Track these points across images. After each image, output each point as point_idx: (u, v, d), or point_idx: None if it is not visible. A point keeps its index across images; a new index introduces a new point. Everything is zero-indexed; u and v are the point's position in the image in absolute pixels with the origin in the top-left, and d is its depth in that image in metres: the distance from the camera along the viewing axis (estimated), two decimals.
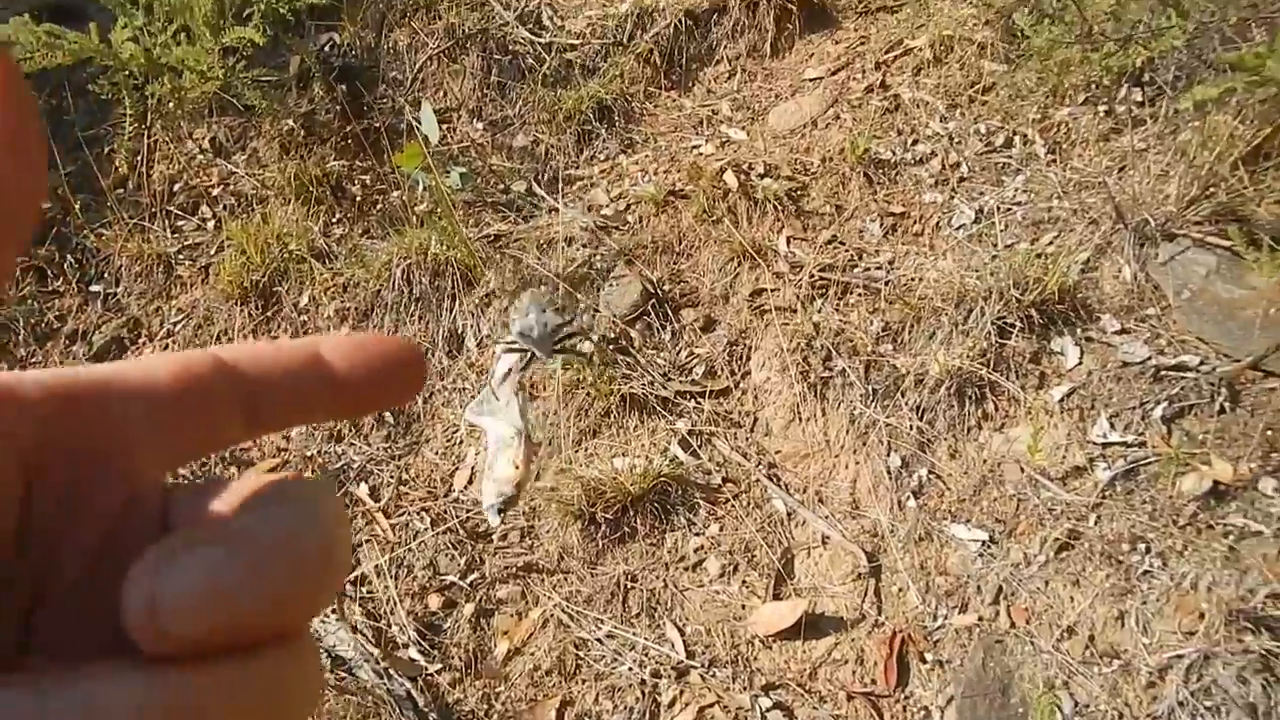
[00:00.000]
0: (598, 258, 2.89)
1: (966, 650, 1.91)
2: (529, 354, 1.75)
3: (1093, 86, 2.71)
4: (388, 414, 2.69)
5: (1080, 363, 2.21)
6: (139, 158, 3.22)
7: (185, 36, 3.01)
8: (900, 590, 2.06)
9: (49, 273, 3.09)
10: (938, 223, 2.71)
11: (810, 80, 3.39)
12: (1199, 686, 1.73)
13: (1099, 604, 1.85)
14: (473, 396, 2.70)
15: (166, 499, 0.28)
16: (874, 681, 1.99)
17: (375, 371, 0.31)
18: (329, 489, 0.30)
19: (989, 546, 2.03)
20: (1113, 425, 2.08)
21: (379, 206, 3.16)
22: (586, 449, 2.49)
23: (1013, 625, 1.90)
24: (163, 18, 2.99)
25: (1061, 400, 2.17)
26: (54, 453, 0.26)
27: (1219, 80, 2.03)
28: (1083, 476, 2.05)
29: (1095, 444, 2.07)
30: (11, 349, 2.95)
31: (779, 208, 2.88)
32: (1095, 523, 1.96)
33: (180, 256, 3.12)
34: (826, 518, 2.25)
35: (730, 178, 2.94)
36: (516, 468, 2.19)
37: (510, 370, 2.20)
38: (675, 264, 2.89)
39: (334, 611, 2.20)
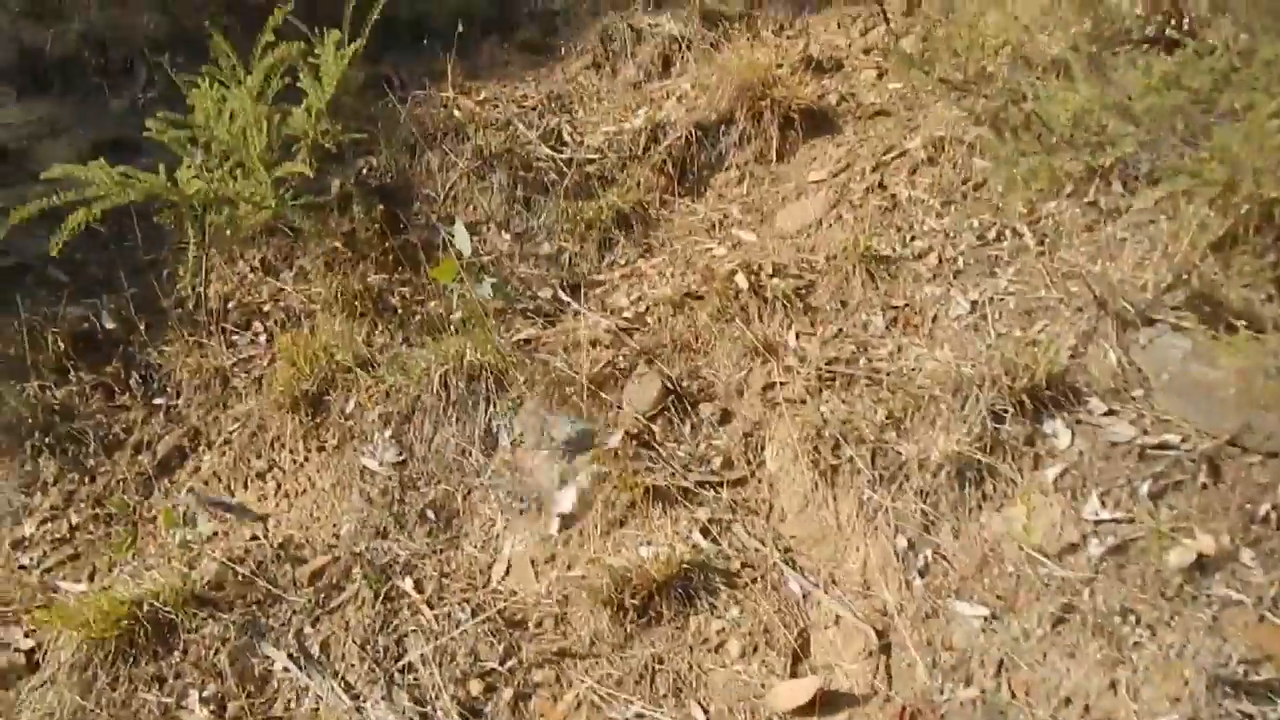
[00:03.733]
0: (620, 358, 3.11)
1: None
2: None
3: (1075, 181, 2.91)
4: (429, 511, 2.89)
5: (1072, 444, 2.37)
6: (198, 279, 3.51)
7: (240, 170, 3.32)
8: (909, 665, 2.19)
9: (115, 389, 3.35)
10: (935, 314, 2.90)
11: (814, 183, 3.63)
12: None
13: (1093, 674, 1.98)
14: (508, 492, 2.91)
15: None
16: None
17: None
18: None
19: (991, 622, 2.16)
20: (1103, 503, 2.22)
21: (418, 316, 3.41)
22: (614, 539, 2.66)
23: (1013, 697, 2.03)
24: (219, 155, 3.31)
25: (1055, 480, 2.32)
26: None
27: (1174, 181, 2.23)
28: (1077, 552, 2.19)
29: (1088, 521, 2.22)
30: (82, 460, 3.19)
31: (788, 305, 3.09)
32: (1089, 596, 2.10)
33: (235, 369, 3.38)
34: (839, 598, 2.40)
35: (741, 279, 3.16)
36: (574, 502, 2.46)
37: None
38: (692, 361, 3.10)
39: (384, 698, 2.37)
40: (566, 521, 2.70)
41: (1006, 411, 2.44)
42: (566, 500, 2.75)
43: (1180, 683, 1.88)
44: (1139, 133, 2.20)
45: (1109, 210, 2.90)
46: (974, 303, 2.87)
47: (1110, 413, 2.39)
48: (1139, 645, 1.99)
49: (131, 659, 2.45)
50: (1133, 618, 2.04)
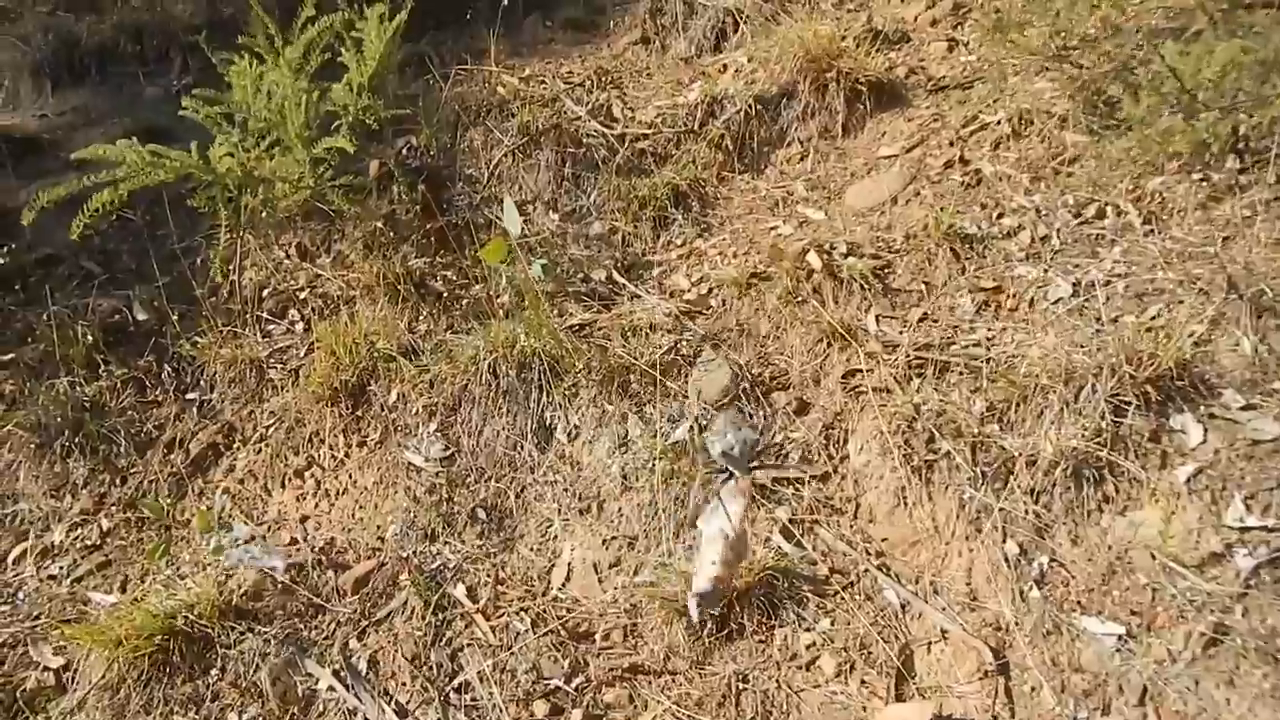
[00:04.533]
0: (683, 343, 2.88)
1: None
2: (729, 471, 1.70)
3: (1185, 156, 2.65)
4: (480, 511, 2.68)
5: (1205, 441, 2.11)
6: (230, 266, 3.32)
7: (277, 149, 3.12)
8: (1033, 689, 1.95)
9: (147, 383, 3.18)
10: (1033, 298, 2.65)
11: (885, 158, 3.38)
12: None
13: (1260, 707, 1.73)
14: (565, 490, 2.69)
15: None
16: None
17: None
18: None
19: (1126, 641, 1.91)
20: (1249, 508, 1.96)
21: (463, 301, 3.20)
22: (686, 540, 2.43)
23: None
24: (256, 134, 3.11)
25: (1188, 481, 2.06)
26: None
27: None
28: (1222, 564, 1.93)
29: (1232, 528, 1.96)
30: (113, 459, 3.01)
31: (865, 287, 2.85)
32: (1243, 615, 1.84)
33: (271, 360, 3.18)
34: (944, 610, 2.16)
35: (813, 258, 2.92)
36: (714, 564, 2.20)
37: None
38: (762, 347, 2.86)
39: None
40: (706, 601, 2.22)
41: (1129, 404, 2.19)
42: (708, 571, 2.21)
43: None
44: None
45: (1225, 187, 2.63)
46: (1076, 285, 2.61)
47: (1249, 407, 2.13)
48: None
49: (166, 679, 2.26)
50: None
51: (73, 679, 2.36)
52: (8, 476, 3.02)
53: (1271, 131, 2.34)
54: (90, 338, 3.24)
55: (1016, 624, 2.04)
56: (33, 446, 3.03)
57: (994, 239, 2.87)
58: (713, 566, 2.11)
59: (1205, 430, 2.13)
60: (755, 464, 2.49)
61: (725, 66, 3.94)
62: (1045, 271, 2.70)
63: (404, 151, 3.69)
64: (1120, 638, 1.92)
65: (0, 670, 2.42)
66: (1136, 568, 2.01)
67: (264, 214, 3.27)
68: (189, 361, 3.23)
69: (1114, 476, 2.16)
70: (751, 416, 2.64)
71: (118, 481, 2.99)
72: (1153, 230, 2.66)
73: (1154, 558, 2.00)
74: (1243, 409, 2.13)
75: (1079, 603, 2.02)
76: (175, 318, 3.26)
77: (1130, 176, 2.78)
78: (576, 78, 4.00)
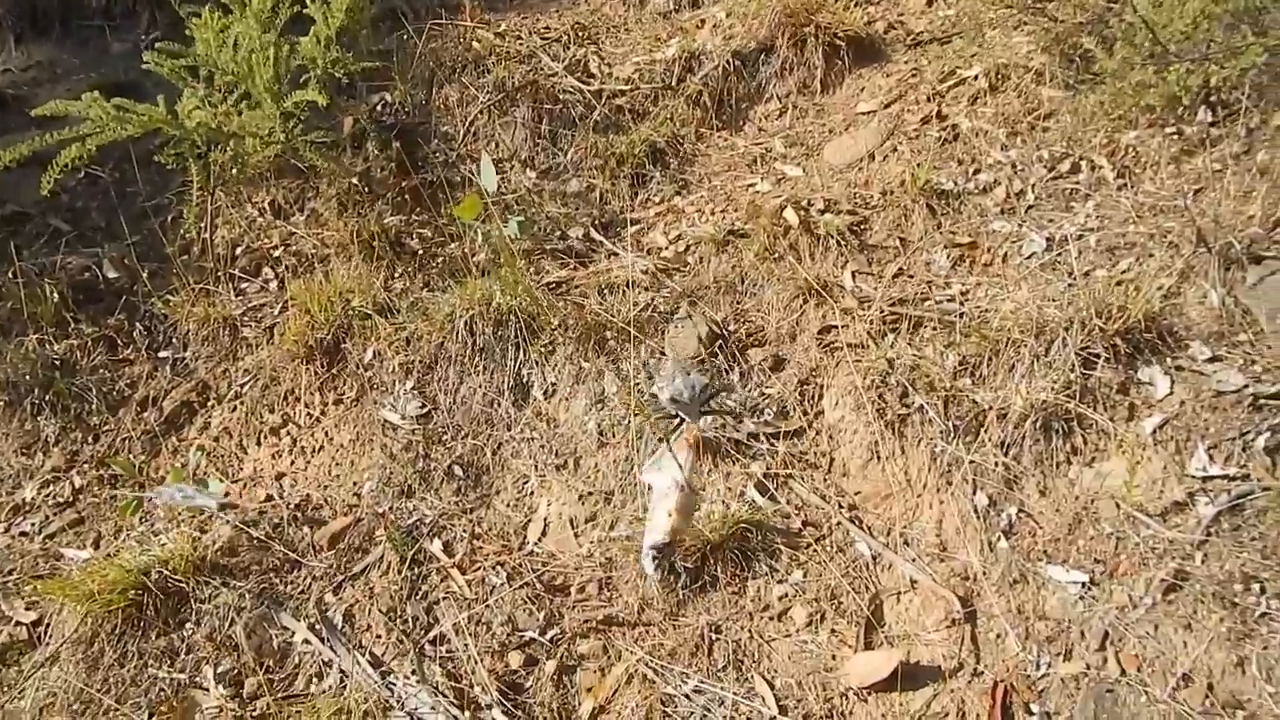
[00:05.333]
0: (660, 300, 2.87)
1: (1075, 700, 1.83)
2: (679, 418, 1.68)
3: (1158, 109, 2.65)
4: (457, 467, 2.68)
5: (1171, 392, 2.14)
6: (202, 223, 3.27)
7: (246, 104, 3.07)
8: (998, 636, 1.98)
9: (119, 342, 3.14)
10: (1007, 252, 2.66)
11: (864, 114, 3.37)
12: None
13: (1215, 649, 1.77)
14: (542, 446, 2.69)
15: None
16: None
17: None
18: None
19: (1090, 589, 1.95)
20: (1212, 457, 2.00)
21: (439, 259, 3.17)
22: None
23: (1123, 673, 1.82)
24: (224, 88, 3.06)
25: (1154, 432, 2.09)
26: None
27: None
28: (1184, 513, 1.97)
29: (1194, 478, 1.99)
30: (84, 417, 2.98)
31: (842, 243, 2.85)
32: (1203, 562, 1.88)
33: (245, 318, 3.15)
34: (914, 560, 2.18)
35: (790, 215, 2.91)
36: (670, 516, 2.21)
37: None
38: (739, 303, 2.86)
39: (414, 673, 2.17)
40: (662, 554, 2.26)
41: (1098, 357, 2.21)
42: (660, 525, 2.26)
43: None
44: (1267, 40, 1.93)
45: (1197, 140, 2.64)
46: (1050, 239, 2.62)
47: (1215, 359, 2.16)
48: (1268, 618, 1.77)
49: (140, 632, 2.26)
50: (1257, 586, 1.82)
51: (45, 633, 2.36)
52: None
53: (1241, 83, 2.34)
54: (59, 296, 3.19)
55: (984, 573, 2.08)
56: (2, 404, 3.00)
57: (970, 194, 2.87)
58: (667, 519, 2.13)
59: (1172, 382, 2.16)
60: (706, 409, 2.49)
61: (703, 22, 3.90)
62: (1020, 226, 2.71)
63: (378, 108, 3.63)
64: (1084, 585, 1.96)
65: None
66: (1102, 517, 2.05)
67: (234, 170, 3.22)
68: (161, 320, 3.20)
69: (1082, 428, 2.18)
70: (726, 373, 2.64)
71: (90, 439, 2.97)
72: (1125, 184, 2.67)
73: (1119, 507, 2.03)
74: (1208, 360, 2.16)
75: (1045, 552, 2.06)
76: (146, 276, 3.22)
77: (1105, 131, 2.79)
78: (553, 33, 3.95)
